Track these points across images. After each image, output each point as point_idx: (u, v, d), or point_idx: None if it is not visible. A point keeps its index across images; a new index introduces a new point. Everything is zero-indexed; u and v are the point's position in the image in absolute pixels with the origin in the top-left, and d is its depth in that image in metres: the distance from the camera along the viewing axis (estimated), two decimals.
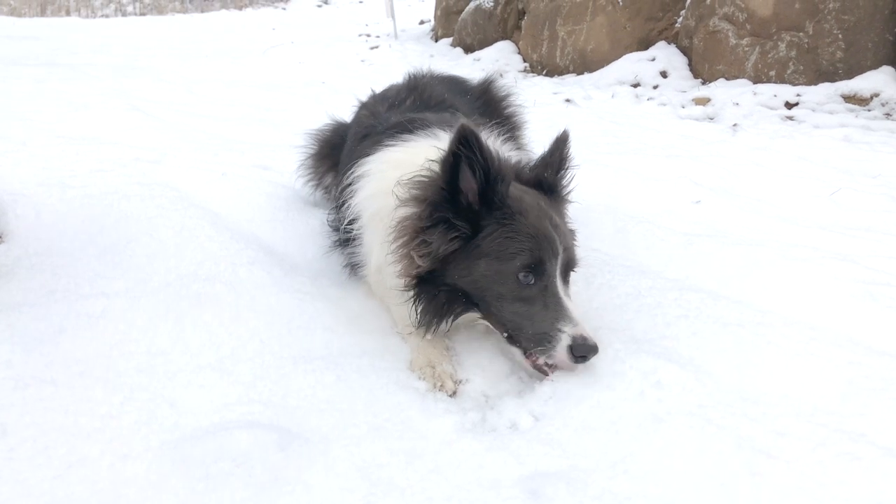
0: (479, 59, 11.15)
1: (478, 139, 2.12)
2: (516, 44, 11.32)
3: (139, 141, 4.97)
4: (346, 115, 3.92)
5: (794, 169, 5.13)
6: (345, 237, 2.78)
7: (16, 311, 2.37)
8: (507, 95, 3.68)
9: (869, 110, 6.90)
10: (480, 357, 2.39)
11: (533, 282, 2.19)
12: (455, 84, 3.73)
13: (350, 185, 2.70)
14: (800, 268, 3.08)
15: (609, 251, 3.24)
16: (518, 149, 3.15)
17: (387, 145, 2.66)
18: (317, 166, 3.76)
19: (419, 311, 2.29)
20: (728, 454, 1.85)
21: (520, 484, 1.75)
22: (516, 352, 2.30)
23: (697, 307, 2.66)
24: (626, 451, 1.87)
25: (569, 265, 2.31)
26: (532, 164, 2.58)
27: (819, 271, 3.03)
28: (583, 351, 2.13)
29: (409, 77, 3.61)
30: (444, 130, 2.62)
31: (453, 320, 2.35)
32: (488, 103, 3.59)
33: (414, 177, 2.26)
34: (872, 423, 1.97)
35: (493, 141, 2.69)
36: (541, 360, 2.23)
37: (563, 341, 2.14)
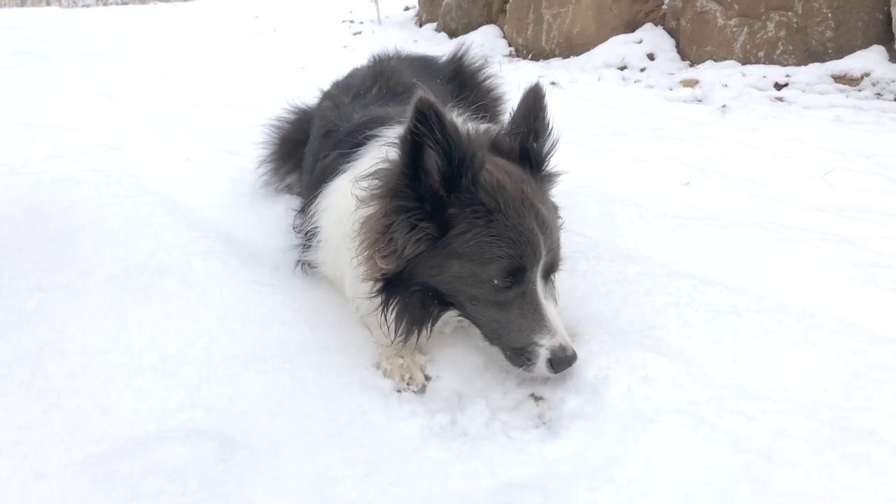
0: (463, 44, 10.92)
1: (438, 113, 1.83)
2: (501, 28, 11.09)
3: (103, 127, 4.74)
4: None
5: (785, 150, 4.96)
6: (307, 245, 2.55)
7: None
8: (481, 67, 3.43)
9: (860, 90, 6.75)
10: (453, 351, 2.20)
11: (510, 286, 1.97)
12: (424, 66, 3.45)
13: (314, 216, 2.44)
14: (796, 250, 2.90)
15: (594, 235, 3.05)
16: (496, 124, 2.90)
17: (341, 170, 2.37)
18: (278, 168, 3.47)
19: (394, 318, 2.03)
20: (724, 457, 1.66)
21: (492, 497, 1.56)
22: (497, 351, 2.09)
23: (688, 294, 2.48)
24: (610, 456, 1.68)
25: (552, 266, 2.10)
26: (510, 127, 2.24)
27: (816, 254, 2.85)
28: (562, 365, 1.97)
29: (375, 61, 3.35)
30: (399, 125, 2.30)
31: (433, 324, 2.10)
32: (463, 83, 3.34)
33: (370, 170, 2.00)
34: (881, 419, 1.79)
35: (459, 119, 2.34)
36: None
37: (542, 356, 1.96)
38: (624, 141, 5.07)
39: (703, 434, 1.74)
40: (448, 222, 1.94)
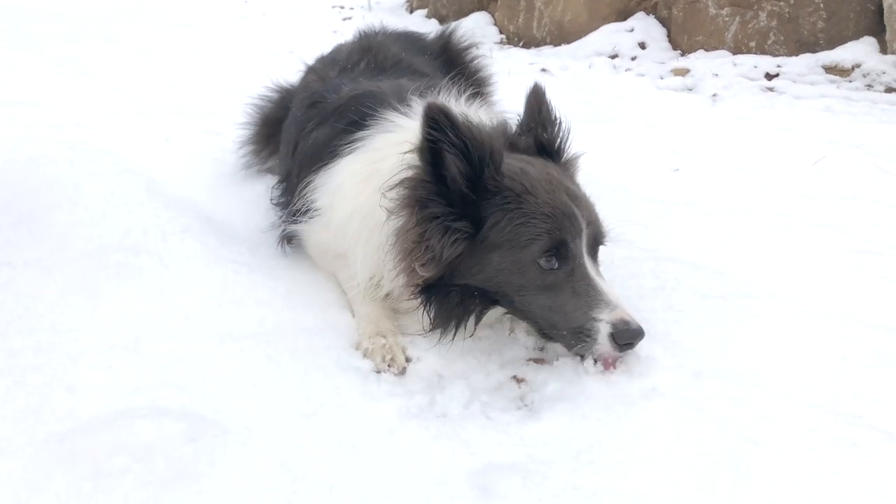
0: (450, 24, 10.82)
1: (449, 117, 1.82)
2: (492, 15, 10.97)
3: (83, 106, 4.62)
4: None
5: (775, 139, 4.93)
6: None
7: None
8: (469, 46, 3.36)
9: (850, 81, 6.73)
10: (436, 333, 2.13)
11: (557, 266, 1.90)
12: (411, 41, 3.37)
13: (313, 194, 2.33)
14: (784, 237, 2.87)
15: None
16: (487, 106, 2.84)
17: (345, 152, 2.28)
18: (259, 149, 3.38)
19: (431, 316, 1.98)
20: (709, 441, 1.62)
21: (470, 479, 1.51)
22: (559, 348, 2.02)
23: (675, 278, 2.44)
24: (592, 439, 1.64)
25: (597, 240, 2.03)
26: (520, 129, 2.24)
27: (805, 240, 2.82)
28: (626, 337, 1.84)
29: (361, 35, 3.27)
30: (405, 114, 2.25)
31: (476, 321, 2.03)
32: (450, 60, 3.26)
33: (395, 179, 1.94)
34: (870, 404, 1.76)
35: (459, 103, 2.33)
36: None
37: (603, 331, 1.84)
38: (614, 128, 5.01)
39: (688, 418, 1.70)
40: (480, 218, 1.91)
